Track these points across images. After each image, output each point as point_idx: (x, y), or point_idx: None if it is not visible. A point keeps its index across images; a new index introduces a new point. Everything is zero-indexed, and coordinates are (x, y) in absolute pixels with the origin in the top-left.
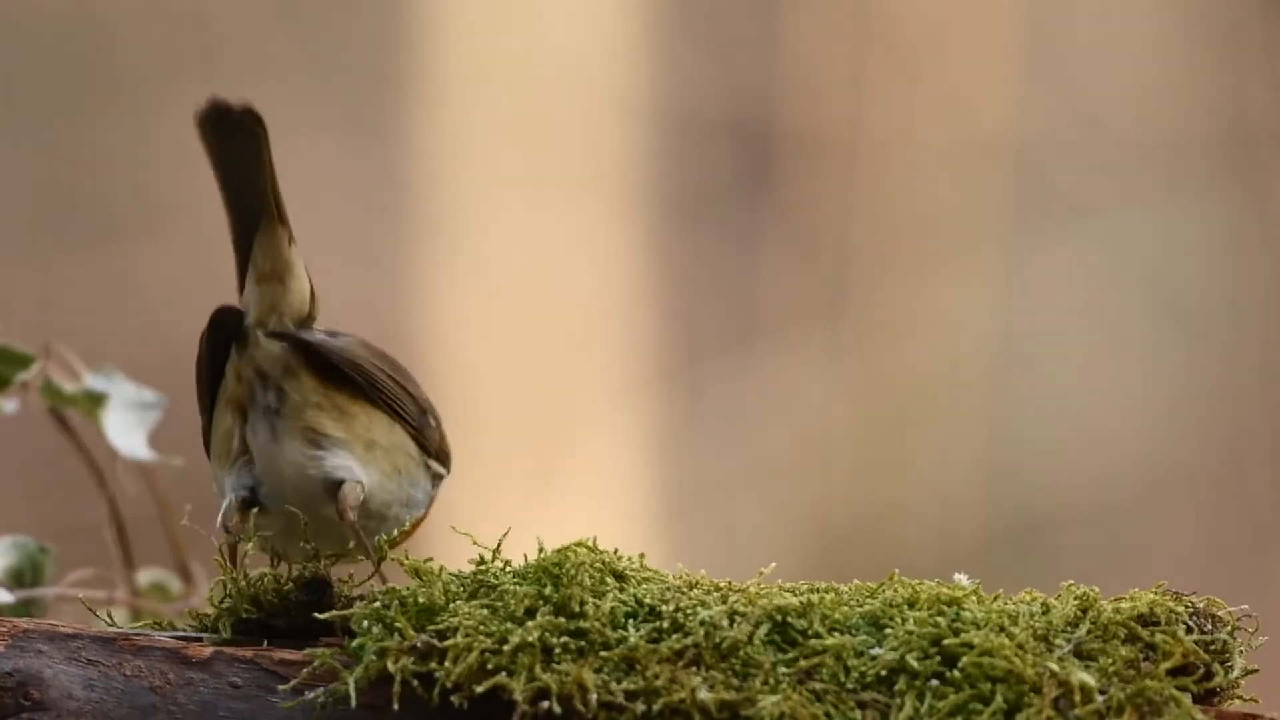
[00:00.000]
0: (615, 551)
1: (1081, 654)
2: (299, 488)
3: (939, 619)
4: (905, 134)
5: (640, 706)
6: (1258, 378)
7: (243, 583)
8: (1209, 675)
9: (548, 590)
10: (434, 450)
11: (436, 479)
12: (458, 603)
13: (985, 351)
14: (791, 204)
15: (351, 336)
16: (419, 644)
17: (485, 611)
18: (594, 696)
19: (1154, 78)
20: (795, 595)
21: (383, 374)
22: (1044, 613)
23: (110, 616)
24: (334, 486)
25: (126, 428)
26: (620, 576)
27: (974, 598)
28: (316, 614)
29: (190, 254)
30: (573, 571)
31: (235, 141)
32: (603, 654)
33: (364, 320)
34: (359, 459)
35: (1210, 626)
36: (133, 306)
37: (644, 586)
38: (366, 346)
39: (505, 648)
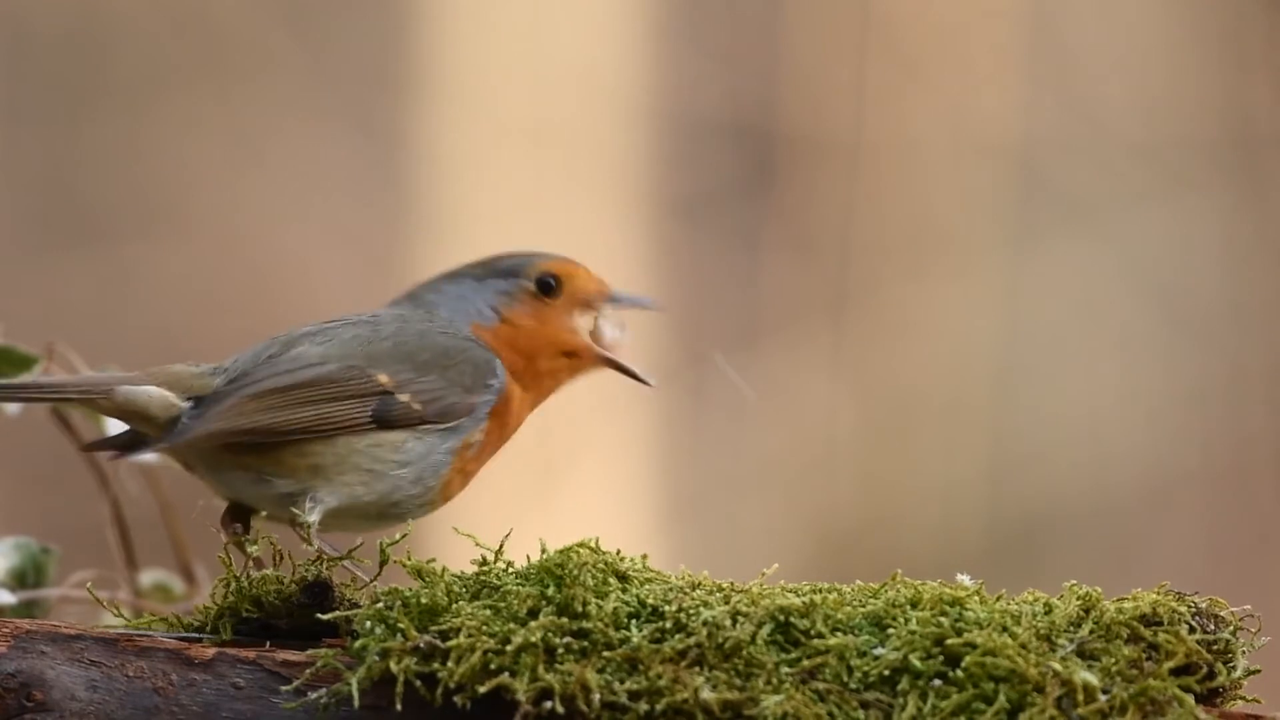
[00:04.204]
0: (618, 552)
1: (1084, 654)
2: (257, 502)
3: (942, 619)
4: (907, 136)
5: (643, 706)
6: (1260, 379)
7: (245, 583)
8: (1211, 675)
9: (550, 591)
10: (415, 421)
11: (455, 431)
12: (460, 603)
13: (988, 352)
14: (794, 206)
15: (252, 374)
16: (422, 644)
17: (488, 612)
18: (597, 696)
19: (1156, 80)
20: (798, 596)
21: (280, 413)
22: (1047, 613)
23: (119, 610)
24: (288, 499)
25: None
26: (623, 577)
27: (977, 598)
28: (319, 615)
29: (191, 254)
30: (575, 572)
31: None
32: (605, 654)
33: None
34: (313, 484)
35: (1213, 626)
36: (134, 307)
37: (646, 587)
38: (273, 371)
39: (508, 648)
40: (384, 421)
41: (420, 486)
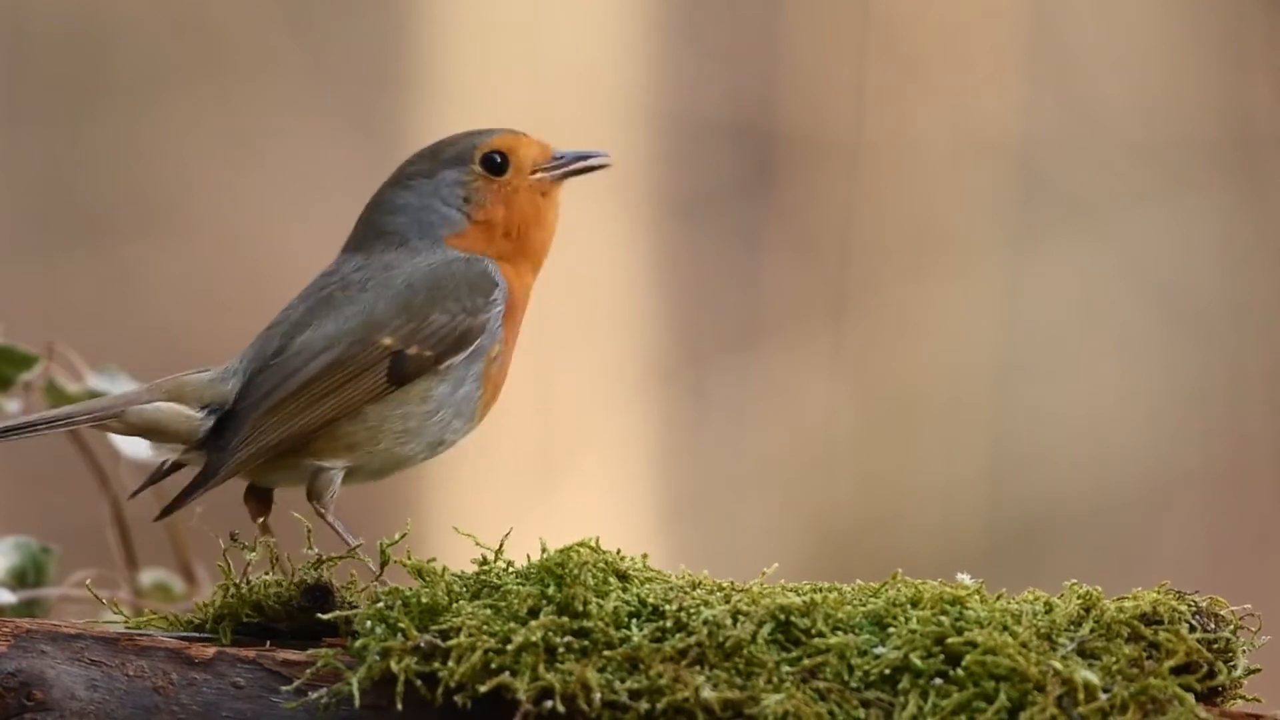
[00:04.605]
0: (618, 552)
1: (1085, 652)
2: (302, 484)
3: (942, 618)
4: (907, 136)
5: (644, 705)
6: (1260, 378)
7: (245, 588)
8: (1212, 674)
9: (551, 590)
10: (431, 364)
11: (475, 354)
12: (461, 603)
13: (988, 352)
14: (794, 205)
15: (262, 383)
16: (422, 644)
17: (488, 611)
18: (597, 695)
19: (1156, 80)
20: (798, 595)
21: (300, 416)
22: (1047, 611)
23: (118, 608)
24: (334, 477)
25: None
26: (623, 576)
27: (977, 597)
28: (319, 615)
29: (192, 254)
30: (576, 571)
31: None
32: (606, 653)
33: None
34: (352, 458)
35: (1213, 625)
36: (135, 306)
37: (647, 586)
38: (290, 358)
39: (509, 647)
40: (401, 380)
41: (460, 419)
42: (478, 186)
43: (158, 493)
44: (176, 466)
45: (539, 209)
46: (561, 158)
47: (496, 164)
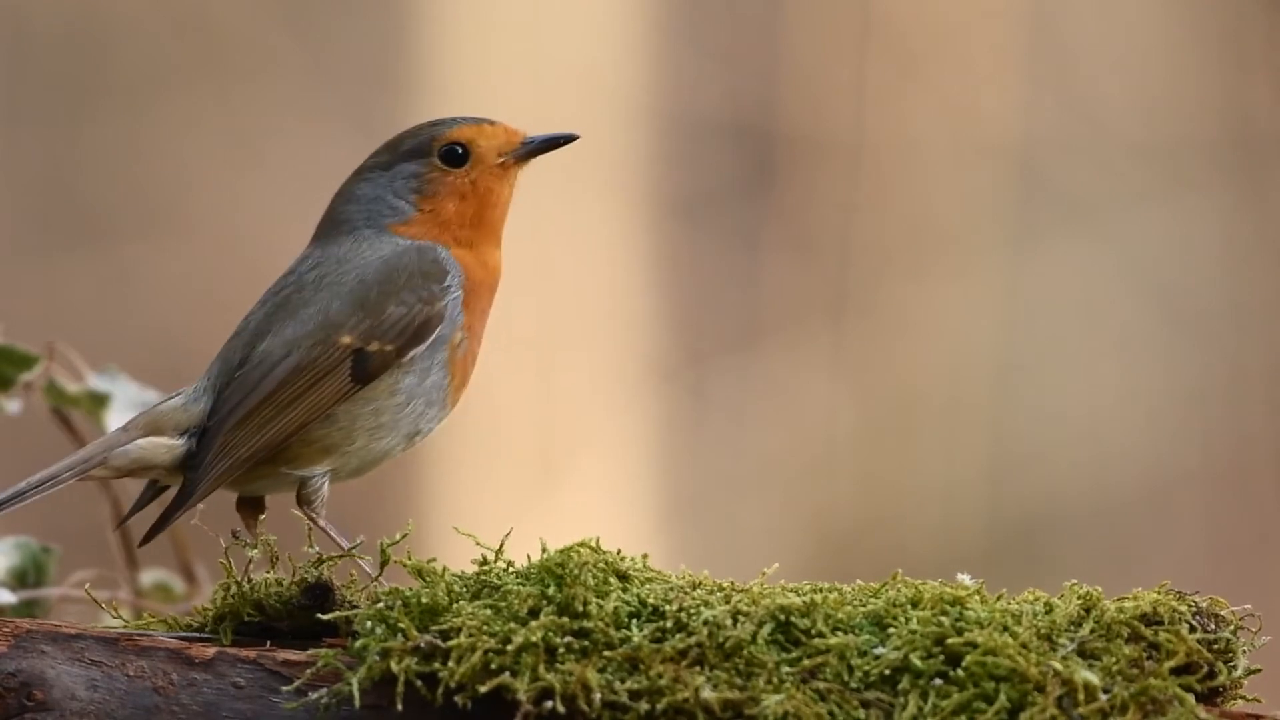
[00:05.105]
0: (618, 552)
1: (1085, 653)
2: (288, 490)
3: (942, 618)
4: (907, 136)
5: (644, 706)
6: (1260, 378)
7: (245, 588)
8: (1212, 674)
9: (551, 590)
10: (394, 358)
11: (437, 342)
12: (461, 603)
13: (988, 352)
14: (794, 205)
15: (228, 399)
16: (422, 644)
17: (489, 612)
18: (597, 696)
19: (1156, 80)
20: (798, 595)
21: (269, 427)
22: (1047, 612)
23: (117, 610)
24: (315, 481)
25: None
26: (623, 577)
27: (977, 597)
28: (320, 615)
29: (192, 254)
30: (576, 572)
31: None
32: (606, 654)
33: None
34: (330, 461)
35: (1213, 626)
36: (135, 307)
37: (647, 586)
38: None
39: (509, 648)
40: (366, 377)
41: (433, 407)
42: (433, 179)
43: (160, 500)
44: (159, 490)
45: (494, 191)
46: (530, 143)
47: (456, 156)
